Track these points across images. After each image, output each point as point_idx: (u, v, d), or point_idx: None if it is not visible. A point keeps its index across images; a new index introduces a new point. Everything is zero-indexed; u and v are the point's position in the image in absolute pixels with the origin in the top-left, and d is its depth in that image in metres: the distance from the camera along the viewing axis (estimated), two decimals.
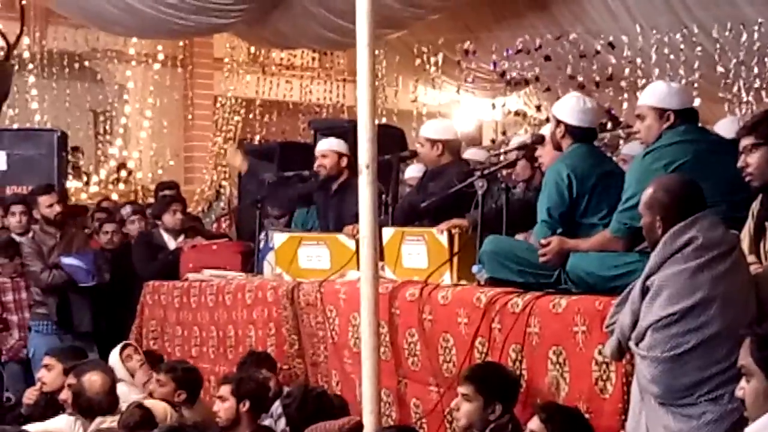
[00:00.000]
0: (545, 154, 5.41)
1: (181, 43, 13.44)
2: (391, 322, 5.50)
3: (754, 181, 4.26)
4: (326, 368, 6.04)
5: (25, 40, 12.32)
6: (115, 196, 12.42)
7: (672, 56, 9.11)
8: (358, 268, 5.63)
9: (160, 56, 13.34)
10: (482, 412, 4.41)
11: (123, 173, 13.30)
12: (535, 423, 4.07)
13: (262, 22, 10.47)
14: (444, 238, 5.56)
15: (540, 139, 5.54)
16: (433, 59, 11.55)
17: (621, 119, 10.22)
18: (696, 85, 8.87)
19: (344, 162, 7.05)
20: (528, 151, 5.85)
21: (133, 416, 5.08)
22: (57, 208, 7.97)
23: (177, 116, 13.64)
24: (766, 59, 8.78)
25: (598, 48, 9.70)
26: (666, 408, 3.87)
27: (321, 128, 8.79)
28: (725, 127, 5.76)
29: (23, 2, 11.93)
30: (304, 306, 6.19)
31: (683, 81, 8.73)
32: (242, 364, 6.00)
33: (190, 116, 13.74)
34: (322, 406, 5.06)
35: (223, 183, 13.23)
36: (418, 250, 5.70)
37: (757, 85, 8.97)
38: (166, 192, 9.38)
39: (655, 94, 4.84)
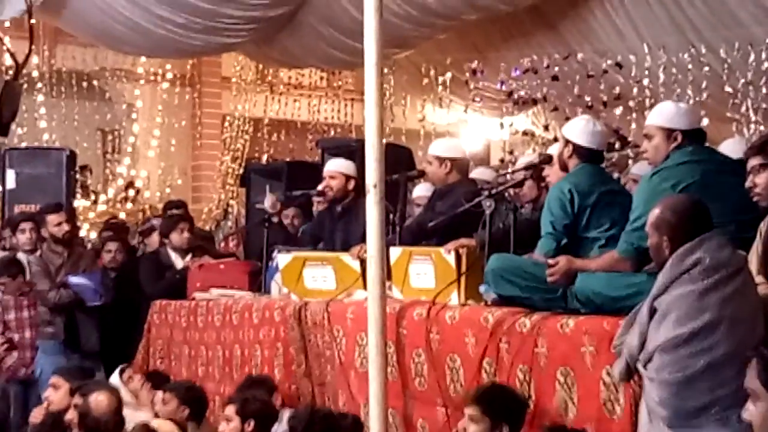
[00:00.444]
0: (553, 174, 5.42)
1: (189, 63, 13.48)
2: (398, 342, 5.48)
3: (762, 201, 4.26)
4: (333, 388, 6.02)
5: (34, 59, 12.35)
6: (123, 215, 12.44)
7: (680, 76, 9.11)
8: (364, 288, 5.61)
9: (169, 75, 13.38)
10: None
11: (131, 192, 13.32)
12: None
13: (270, 41, 10.50)
14: (451, 258, 5.55)
15: (547, 159, 5.54)
16: (441, 79, 11.57)
17: (629, 139, 10.21)
18: (704, 105, 8.87)
19: (351, 184, 7.06)
20: (535, 170, 5.85)
21: None
22: (65, 227, 7.98)
23: (185, 135, 13.68)
24: None
25: (606, 68, 9.71)
26: (674, 430, 3.85)
27: (329, 147, 8.81)
28: (730, 148, 5.75)
29: (32, 21, 11.97)
30: (311, 326, 6.17)
31: (691, 101, 8.73)
32: (240, 389, 5.98)
33: (198, 135, 13.77)
34: (329, 426, 5.04)
35: (231, 202, 13.25)
36: (425, 270, 5.69)
37: (765, 105, 8.96)
38: (174, 211, 9.39)
39: (663, 114, 4.84)
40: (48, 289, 7.80)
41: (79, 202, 12.11)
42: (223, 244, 11.08)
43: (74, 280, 7.83)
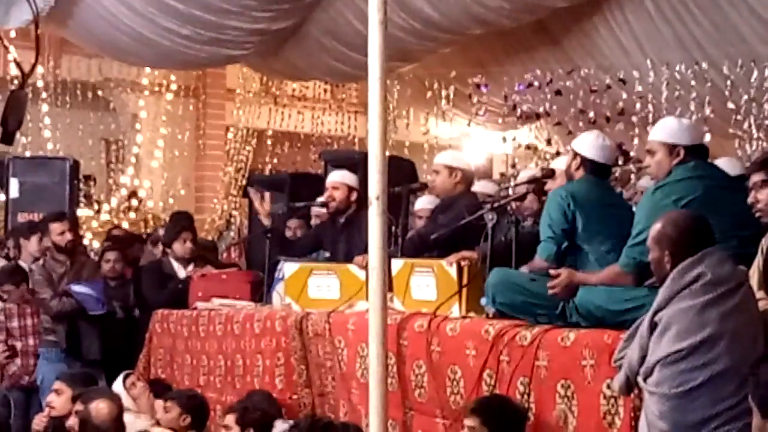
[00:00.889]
0: (555, 188, 5.43)
1: (194, 74, 13.51)
2: (399, 353, 5.49)
3: (764, 217, 4.28)
4: (334, 398, 6.03)
5: (39, 69, 12.38)
6: (125, 225, 12.45)
7: (683, 92, 9.13)
8: (367, 299, 5.63)
9: (173, 86, 13.40)
10: None
11: (134, 202, 13.33)
12: None
13: (274, 53, 10.53)
14: (453, 270, 5.57)
15: (550, 173, 5.57)
16: (444, 92, 11.58)
17: (632, 154, 10.23)
18: (707, 121, 8.89)
19: (354, 196, 7.07)
20: (537, 184, 5.87)
21: None
22: (68, 236, 8.00)
23: (189, 146, 13.69)
24: None
25: (609, 83, 9.73)
26: None
27: (332, 159, 8.82)
28: (724, 166, 5.75)
29: (38, 32, 11.99)
30: (312, 336, 6.19)
31: (694, 117, 8.74)
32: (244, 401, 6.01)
33: (201, 146, 13.78)
34: None
35: (234, 213, 13.26)
36: (427, 282, 5.71)
37: (767, 122, 8.98)
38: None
39: (666, 129, 4.87)
40: (50, 298, 7.81)
41: (83, 212, 12.13)
42: (225, 255, 11.11)
43: (77, 288, 7.84)
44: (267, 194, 7.71)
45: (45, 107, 12.91)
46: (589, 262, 4.98)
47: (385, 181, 5.07)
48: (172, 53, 10.11)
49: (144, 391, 6.41)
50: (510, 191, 6.67)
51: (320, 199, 7.18)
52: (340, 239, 7.09)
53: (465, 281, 5.53)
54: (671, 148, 4.78)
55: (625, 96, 9.67)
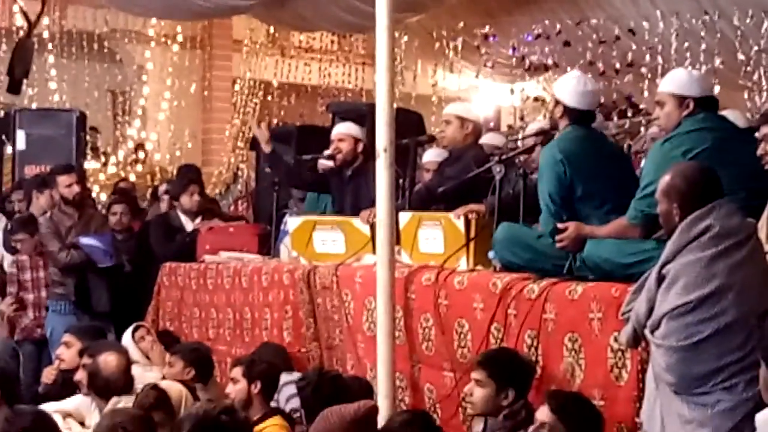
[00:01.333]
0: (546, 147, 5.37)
1: (200, 25, 13.44)
2: (407, 306, 5.50)
3: None
4: (342, 352, 6.05)
5: (45, 20, 12.33)
6: (132, 177, 12.46)
7: (692, 43, 9.06)
8: (373, 253, 5.63)
9: (179, 38, 13.34)
10: (495, 397, 4.41)
11: (141, 154, 13.33)
12: (544, 412, 4.05)
13: (281, 4, 10.46)
14: (461, 223, 5.55)
15: (557, 125, 5.51)
16: (452, 44, 11.51)
17: (641, 106, 10.18)
18: (716, 72, 8.83)
19: (360, 147, 7.03)
20: (546, 137, 5.83)
21: (148, 397, 5.09)
22: (76, 189, 7.99)
23: (195, 98, 13.65)
24: None
25: (618, 34, 9.66)
26: (680, 396, 3.87)
27: (339, 111, 8.77)
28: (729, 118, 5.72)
29: None
30: (320, 289, 6.19)
31: (703, 68, 8.68)
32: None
33: (208, 98, 13.74)
34: (337, 389, 5.06)
35: (241, 165, 13.25)
36: (434, 235, 5.70)
37: None
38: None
39: (675, 81, 4.82)
40: (58, 250, 7.83)
41: (90, 164, 12.14)
42: (233, 207, 11.11)
43: (85, 241, 7.84)
44: (263, 124, 7.71)
45: (51, 59, 12.88)
46: (593, 217, 4.94)
47: (393, 132, 5.06)
48: (178, 3, 10.06)
49: (153, 344, 6.43)
50: (518, 143, 6.64)
51: (327, 152, 7.13)
52: (347, 191, 7.06)
53: (473, 234, 5.52)
54: (681, 100, 4.73)
55: (634, 47, 9.60)
